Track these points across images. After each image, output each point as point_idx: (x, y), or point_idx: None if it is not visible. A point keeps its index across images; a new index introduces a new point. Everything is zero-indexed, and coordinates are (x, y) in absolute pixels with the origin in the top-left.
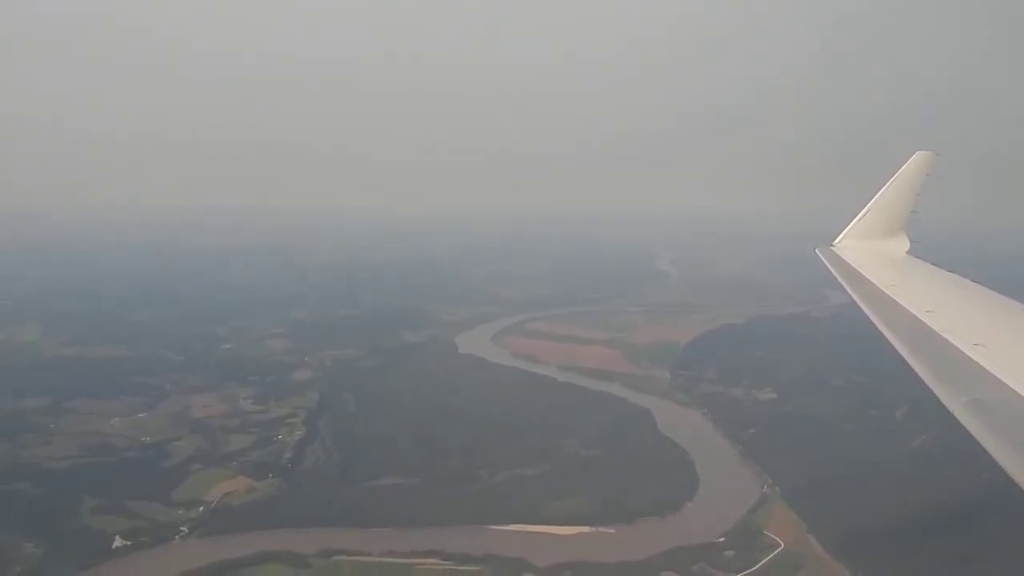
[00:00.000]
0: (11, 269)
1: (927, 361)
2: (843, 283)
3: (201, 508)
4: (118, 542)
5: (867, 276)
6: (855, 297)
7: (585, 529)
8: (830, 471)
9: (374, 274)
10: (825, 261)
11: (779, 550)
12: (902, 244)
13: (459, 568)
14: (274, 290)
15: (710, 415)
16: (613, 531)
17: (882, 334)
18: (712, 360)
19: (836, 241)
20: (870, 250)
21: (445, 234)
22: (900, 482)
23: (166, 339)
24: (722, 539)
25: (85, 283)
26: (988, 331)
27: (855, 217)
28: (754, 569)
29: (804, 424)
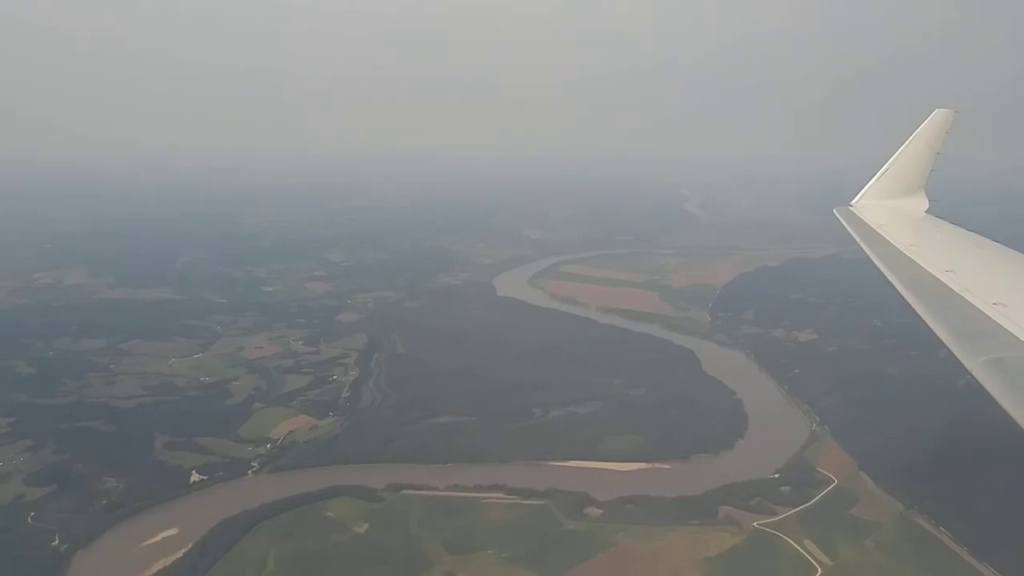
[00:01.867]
0: (51, 213)
1: (945, 320)
2: (861, 243)
3: (268, 445)
4: (195, 476)
5: (885, 236)
6: (873, 257)
7: (642, 465)
8: (877, 410)
9: (404, 217)
10: (843, 221)
11: (832, 486)
12: (921, 203)
13: (524, 502)
14: (308, 233)
15: (753, 356)
16: (669, 467)
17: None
18: (750, 302)
19: (854, 200)
20: (889, 209)
21: (469, 176)
22: (947, 420)
23: (209, 282)
24: (776, 475)
25: (123, 226)
26: (1008, 290)
27: (873, 176)
28: (810, 504)
29: (847, 364)
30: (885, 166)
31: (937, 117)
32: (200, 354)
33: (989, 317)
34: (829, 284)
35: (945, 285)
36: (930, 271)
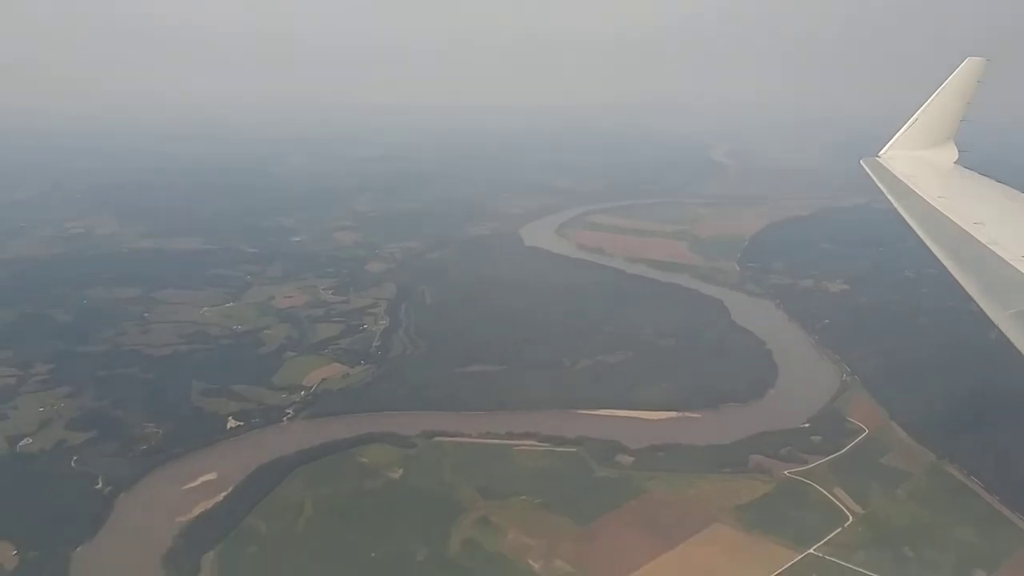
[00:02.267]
0: (80, 163)
1: (973, 273)
2: (888, 195)
3: (302, 392)
4: (231, 423)
5: (913, 187)
6: (900, 209)
7: (672, 414)
8: (908, 361)
9: (427, 167)
10: (870, 172)
11: (863, 436)
12: (950, 154)
13: (555, 449)
14: (334, 183)
15: (782, 306)
16: (699, 416)
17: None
18: (779, 252)
19: (882, 152)
20: (917, 160)
21: (494, 127)
22: (979, 372)
23: (237, 231)
24: (807, 425)
25: (149, 176)
26: None
27: (902, 127)
28: (841, 453)
29: (878, 315)
30: (914, 116)
31: (968, 66)
32: (232, 303)
33: (1018, 270)
34: (860, 234)
35: (973, 238)
36: (958, 223)
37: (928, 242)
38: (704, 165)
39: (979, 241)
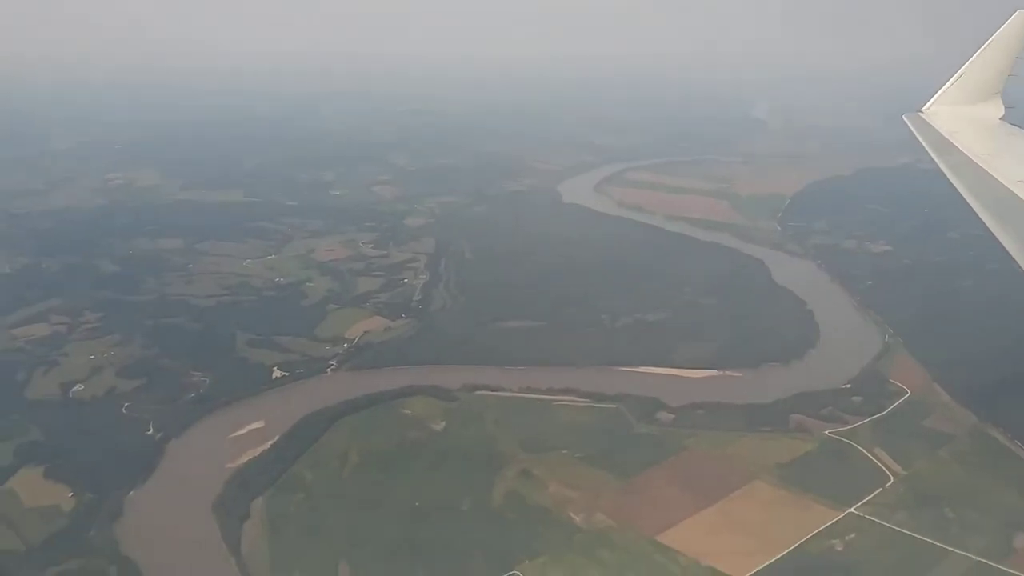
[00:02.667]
0: (119, 115)
1: (1016, 232)
2: (931, 152)
3: (345, 344)
4: (277, 373)
5: (957, 144)
6: (943, 166)
7: (712, 373)
8: (952, 323)
9: (464, 121)
10: (912, 128)
11: (905, 397)
12: (996, 109)
13: (596, 405)
14: (370, 137)
15: (824, 266)
16: (739, 375)
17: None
18: (821, 212)
19: (925, 107)
20: (961, 116)
21: (527, 80)
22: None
23: (277, 185)
24: (848, 385)
25: (187, 129)
26: None
27: (946, 82)
28: (883, 414)
29: (922, 276)
30: (959, 71)
31: (1017, 19)
32: (273, 255)
33: None
34: (904, 194)
35: (1017, 196)
36: (1002, 181)
37: (970, 200)
38: (743, 121)
39: (1022, 200)
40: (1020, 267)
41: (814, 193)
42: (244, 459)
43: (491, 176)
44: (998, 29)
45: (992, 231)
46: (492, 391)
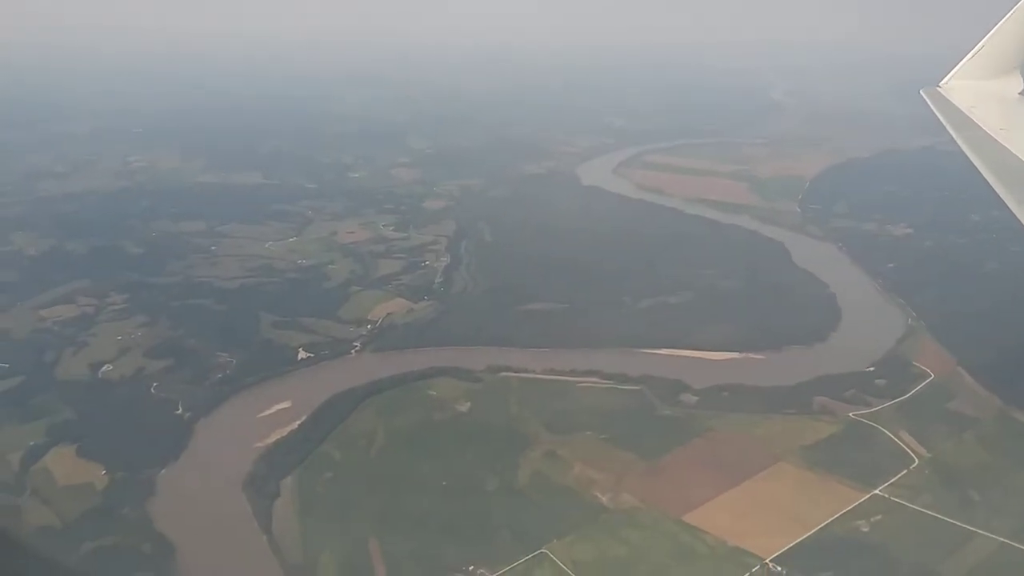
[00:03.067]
0: (134, 99)
1: None
2: (948, 127)
3: (368, 326)
4: (302, 354)
5: (975, 119)
6: (960, 142)
7: (735, 355)
8: (976, 306)
9: (482, 103)
10: (929, 102)
11: (929, 380)
12: (1015, 84)
13: (619, 387)
14: (388, 118)
15: (845, 249)
16: (762, 357)
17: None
18: (841, 194)
19: (943, 82)
20: (980, 91)
21: (544, 62)
22: None
23: (296, 167)
24: (871, 368)
25: (205, 109)
26: None
27: (965, 56)
28: (906, 397)
29: (944, 260)
30: (979, 45)
31: None
32: (295, 238)
33: None
34: (924, 177)
35: None
36: (1020, 156)
37: (987, 175)
38: (763, 104)
39: None
40: None
41: (834, 175)
42: (272, 439)
43: (509, 159)
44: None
45: (1010, 207)
46: (515, 372)
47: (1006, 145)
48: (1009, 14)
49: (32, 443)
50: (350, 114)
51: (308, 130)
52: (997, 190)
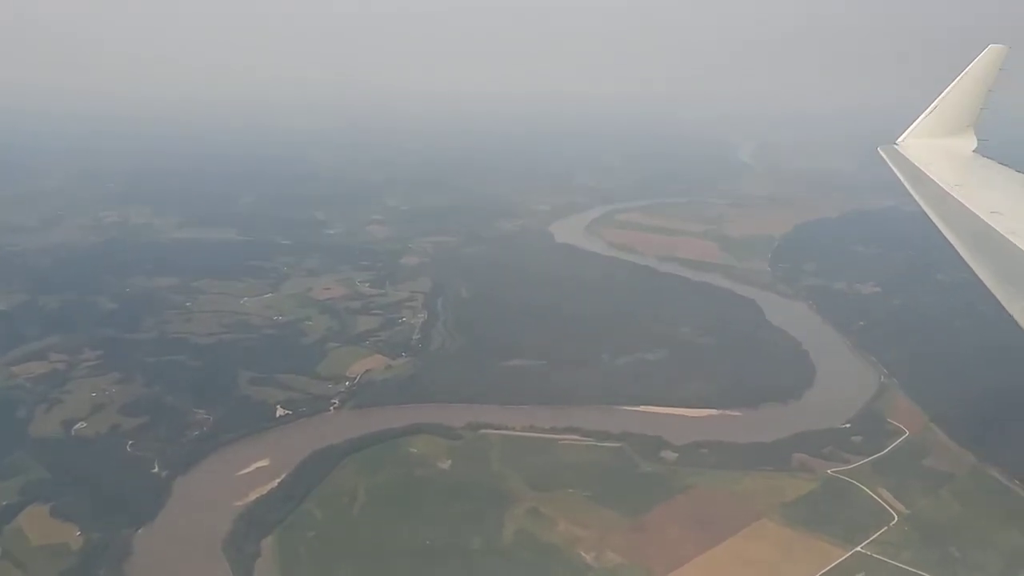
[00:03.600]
0: (108, 156)
1: (989, 263)
2: (905, 183)
3: (347, 383)
4: (280, 411)
5: (931, 175)
6: (917, 198)
7: (713, 412)
8: (946, 363)
9: (453, 160)
10: (887, 159)
11: (904, 437)
12: (969, 142)
13: (600, 444)
14: (361, 176)
15: (816, 307)
16: (739, 414)
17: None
18: (810, 254)
19: (899, 139)
20: (935, 148)
21: (509, 117)
22: (1018, 375)
23: (271, 223)
24: (847, 425)
25: (178, 165)
26: None
27: (920, 115)
28: (883, 454)
29: (914, 318)
30: (933, 104)
31: (989, 54)
32: (271, 294)
33: None
34: (890, 237)
35: (990, 227)
36: (975, 212)
37: (944, 230)
38: (729, 165)
39: (996, 230)
40: (996, 296)
41: (802, 235)
42: (252, 497)
43: (483, 216)
44: (971, 63)
45: (967, 261)
46: (496, 429)
47: (961, 201)
48: (961, 76)
49: (4, 503)
50: (323, 170)
51: (281, 186)
52: (954, 244)
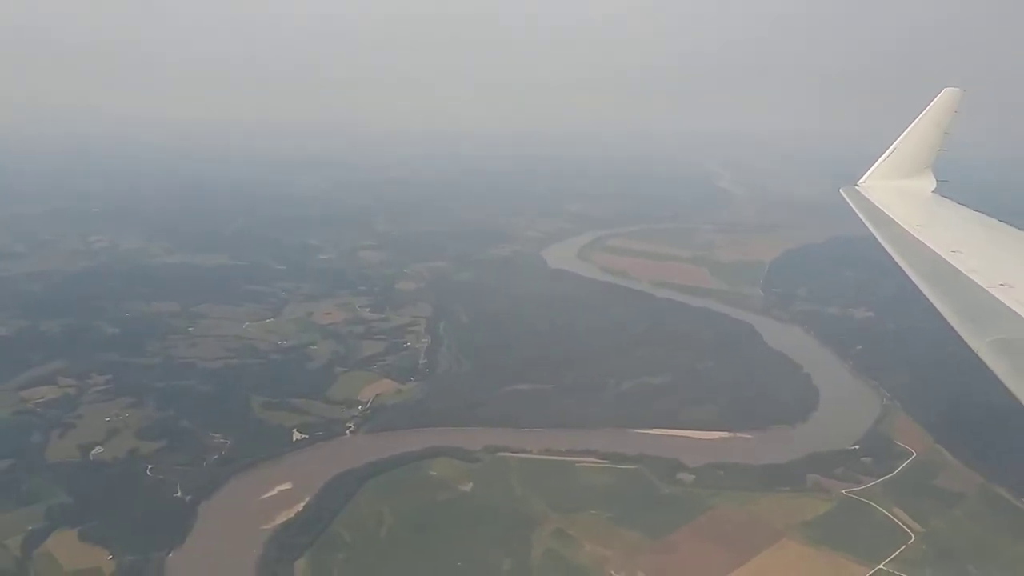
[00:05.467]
0: (92, 179)
1: (951, 301)
2: (867, 223)
3: (359, 407)
4: (297, 435)
5: (892, 216)
6: (879, 237)
7: (724, 434)
8: (946, 387)
9: (439, 188)
10: (849, 201)
11: (912, 458)
12: (928, 183)
13: (616, 466)
14: (349, 202)
15: (812, 332)
16: (750, 436)
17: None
18: (801, 279)
19: (861, 181)
20: (895, 189)
21: (492, 151)
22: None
23: (262, 248)
24: (856, 447)
25: (160, 192)
26: (1014, 271)
27: (880, 156)
28: (894, 474)
29: (909, 342)
30: (892, 146)
31: (945, 96)
32: (272, 319)
33: (995, 298)
34: (878, 263)
35: (951, 265)
36: (936, 251)
37: (906, 269)
38: (712, 192)
39: (957, 269)
40: (958, 332)
41: (790, 260)
42: (279, 520)
43: (474, 242)
44: (927, 106)
45: (930, 299)
46: (513, 452)
47: (923, 240)
48: (918, 119)
49: (31, 527)
50: (310, 197)
51: (269, 212)
52: (916, 282)
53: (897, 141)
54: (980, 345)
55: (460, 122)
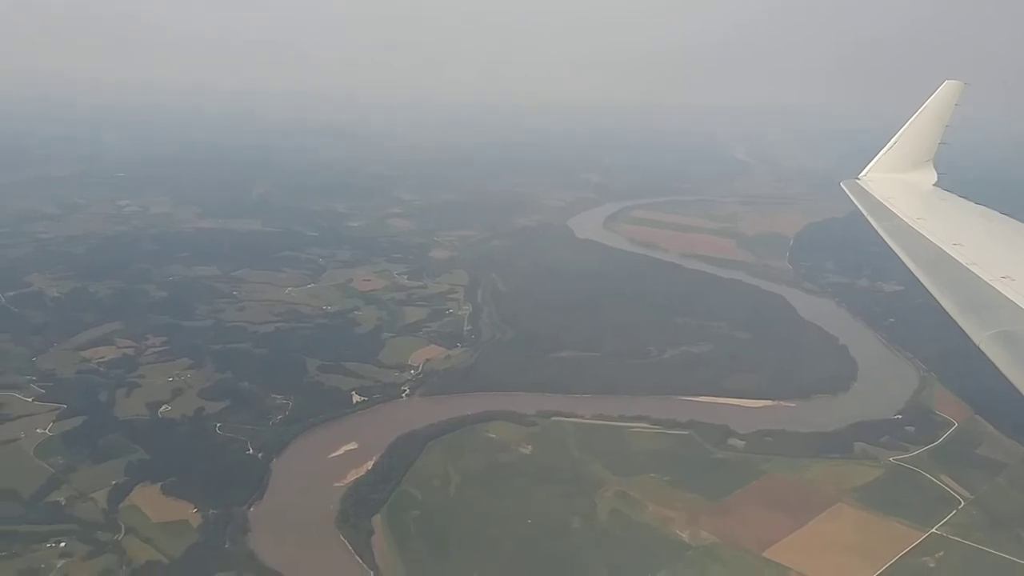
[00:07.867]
0: (112, 146)
1: (952, 294)
2: (868, 217)
3: (411, 371)
4: (356, 397)
5: (893, 209)
6: (880, 231)
7: (768, 402)
8: (980, 360)
9: (460, 157)
10: (850, 194)
11: (954, 428)
12: (929, 176)
13: (668, 432)
14: (370, 170)
15: (843, 304)
16: (794, 405)
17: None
18: (827, 251)
19: (862, 174)
20: (897, 182)
21: (510, 123)
22: None
23: (291, 215)
24: (899, 416)
25: (182, 157)
26: (1015, 263)
27: (881, 150)
28: (938, 443)
29: (941, 315)
30: (893, 139)
31: (946, 89)
32: (312, 284)
33: (996, 290)
34: None
35: (952, 258)
36: (937, 244)
37: (908, 262)
38: (730, 164)
39: (958, 261)
40: (959, 325)
41: (814, 234)
42: (350, 478)
43: (499, 211)
44: (928, 99)
45: (931, 292)
46: (566, 417)
47: (924, 233)
48: (918, 112)
49: (114, 482)
50: (329, 163)
51: (293, 178)
52: (917, 275)
53: (898, 134)
54: (981, 338)
55: (465, 96)
